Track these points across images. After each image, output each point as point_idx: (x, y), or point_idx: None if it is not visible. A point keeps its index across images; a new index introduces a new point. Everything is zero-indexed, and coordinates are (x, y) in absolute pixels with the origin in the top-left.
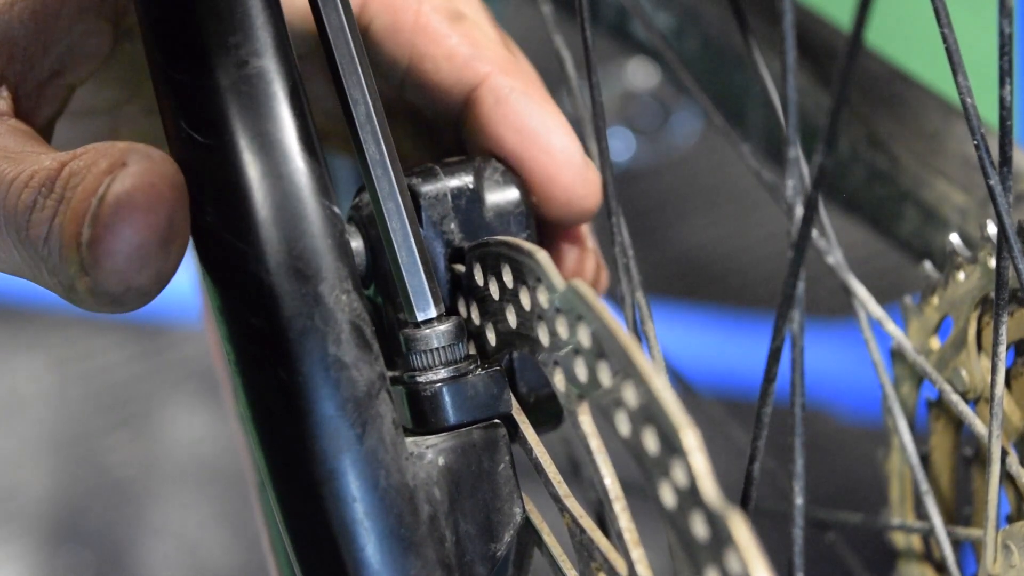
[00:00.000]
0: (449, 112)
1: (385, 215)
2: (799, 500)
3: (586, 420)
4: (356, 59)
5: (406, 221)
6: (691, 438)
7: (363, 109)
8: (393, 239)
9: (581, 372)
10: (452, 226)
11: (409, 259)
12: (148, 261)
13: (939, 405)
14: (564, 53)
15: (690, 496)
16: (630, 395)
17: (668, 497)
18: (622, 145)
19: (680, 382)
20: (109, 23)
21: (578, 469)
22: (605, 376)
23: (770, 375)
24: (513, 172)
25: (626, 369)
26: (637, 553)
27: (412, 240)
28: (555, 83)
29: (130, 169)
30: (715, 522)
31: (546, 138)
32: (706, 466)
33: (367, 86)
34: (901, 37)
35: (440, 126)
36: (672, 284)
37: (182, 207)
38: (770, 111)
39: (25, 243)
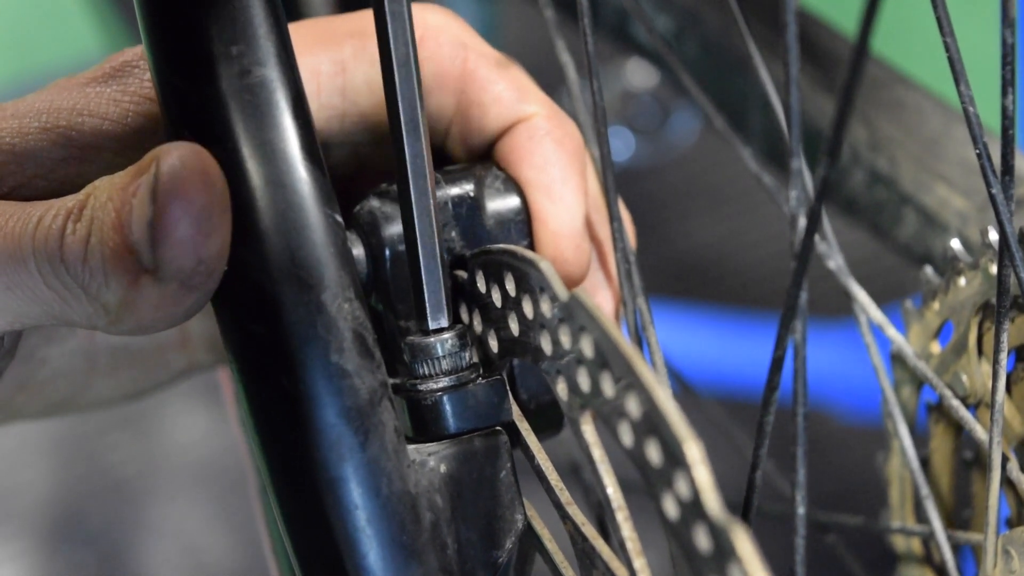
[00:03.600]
0: (482, 153)
1: (416, 219)
2: (801, 509)
3: (589, 429)
4: (411, 58)
5: (434, 227)
6: (694, 451)
7: (408, 112)
8: (419, 244)
9: (584, 382)
10: (453, 234)
11: (432, 266)
12: (215, 225)
13: (939, 409)
14: (565, 56)
15: (693, 509)
16: (633, 406)
17: (671, 509)
18: (621, 145)
19: (681, 383)
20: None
21: (578, 470)
22: (608, 386)
23: (772, 384)
24: (513, 180)
25: (629, 380)
26: (640, 563)
27: (437, 246)
28: (556, 84)
29: (168, 149)
30: (718, 535)
31: (559, 191)
32: (709, 479)
33: (416, 88)
34: (902, 42)
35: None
36: (671, 284)
37: (221, 173)
38: (769, 114)
39: (59, 272)
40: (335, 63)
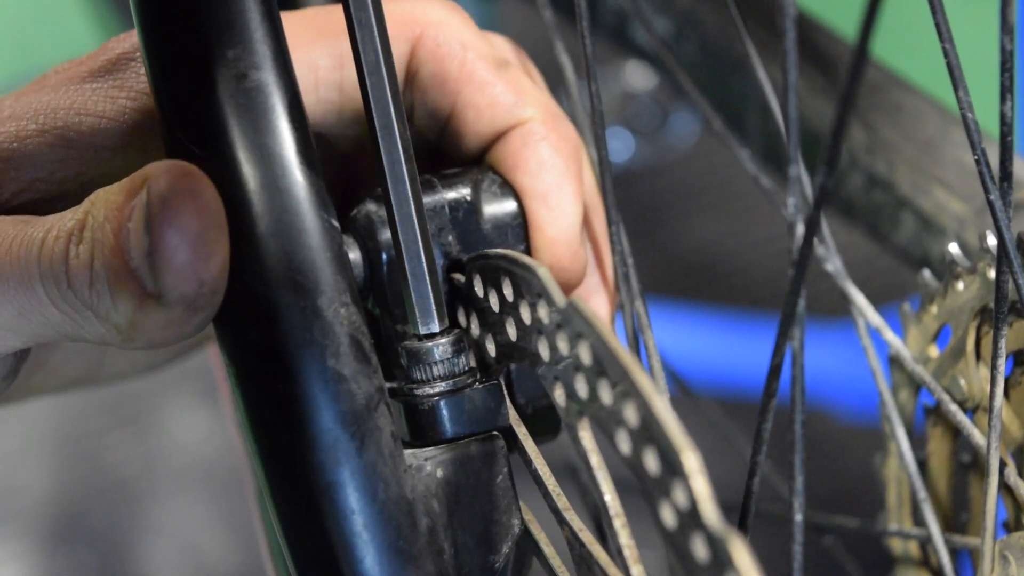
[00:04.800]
0: (477, 157)
1: (399, 225)
2: (798, 516)
3: (586, 436)
4: (382, 65)
5: (418, 233)
6: (692, 461)
7: (384, 117)
8: (404, 250)
9: (581, 388)
10: (450, 238)
11: (418, 272)
12: (212, 247)
13: (937, 412)
14: (564, 58)
15: (691, 518)
16: (631, 414)
17: (668, 517)
18: (621, 146)
19: (679, 384)
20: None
21: (574, 472)
22: (606, 394)
23: (770, 391)
24: (510, 184)
25: (627, 388)
26: (637, 570)
27: (423, 252)
28: (554, 86)
29: (158, 173)
30: (716, 545)
31: (556, 197)
32: (707, 489)
33: (391, 91)
34: (899, 44)
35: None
36: (670, 284)
37: (215, 191)
38: (768, 116)
39: (67, 296)
40: (333, 57)
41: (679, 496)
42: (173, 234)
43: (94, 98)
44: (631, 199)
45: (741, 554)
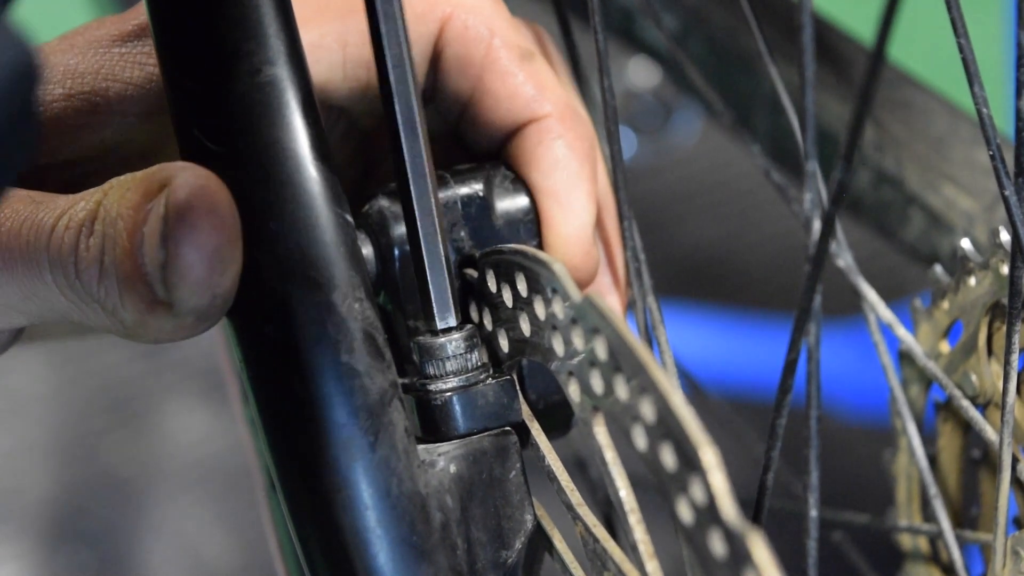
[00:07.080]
0: (492, 145)
1: (418, 221)
2: (814, 512)
3: (601, 431)
4: (405, 59)
5: (436, 228)
6: (710, 456)
7: (406, 111)
8: (422, 245)
9: (597, 384)
10: (462, 234)
11: (433, 267)
12: (227, 262)
13: (947, 407)
14: (577, 53)
15: (708, 513)
16: (648, 410)
17: (685, 513)
18: (623, 144)
19: (690, 382)
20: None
21: (584, 466)
22: (622, 389)
23: (785, 387)
24: (523, 180)
25: (644, 384)
26: (652, 566)
27: (439, 248)
28: None
29: (177, 182)
30: (734, 540)
31: (568, 196)
32: (725, 485)
33: (413, 85)
34: (904, 41)
35: (478, 154)
36: (673, 283)
37: (232, 201)
38: (775, 113)
39: (75, 287)
40: (362, 34)
41: (696, 492)
42: (190, 251)
43: (122, 63)
44: (633, 198)
45: (760, 550)
